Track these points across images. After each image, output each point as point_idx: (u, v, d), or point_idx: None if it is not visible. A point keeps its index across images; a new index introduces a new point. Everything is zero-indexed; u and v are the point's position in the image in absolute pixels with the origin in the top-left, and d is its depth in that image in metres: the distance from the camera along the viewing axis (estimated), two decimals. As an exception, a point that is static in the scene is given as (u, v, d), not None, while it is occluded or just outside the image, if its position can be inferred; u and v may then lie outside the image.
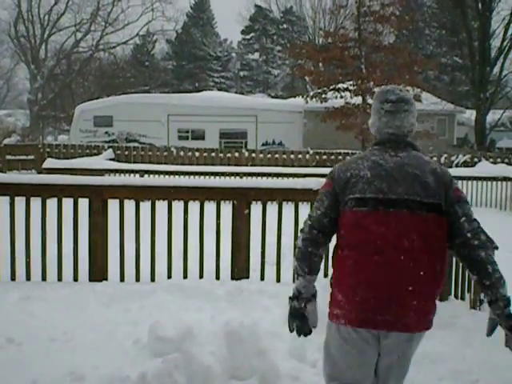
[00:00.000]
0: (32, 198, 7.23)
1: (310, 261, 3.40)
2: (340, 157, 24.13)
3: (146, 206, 7.26)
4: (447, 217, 3.34)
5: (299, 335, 3.50)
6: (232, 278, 7.22)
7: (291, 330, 3.51)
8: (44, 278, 7.26)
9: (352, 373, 3.42)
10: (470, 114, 39.59)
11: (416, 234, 3.23)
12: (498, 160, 24.30)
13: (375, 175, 3.34)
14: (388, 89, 3.63)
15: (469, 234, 3.35)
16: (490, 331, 3.39)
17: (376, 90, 28.55)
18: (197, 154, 24.72)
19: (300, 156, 24.48)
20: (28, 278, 7.25)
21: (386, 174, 3.34)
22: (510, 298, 3.29)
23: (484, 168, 21.34)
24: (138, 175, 17.25)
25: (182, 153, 24.86)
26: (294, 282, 3.54)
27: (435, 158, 23.55)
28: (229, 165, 22.97)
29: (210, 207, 7.32)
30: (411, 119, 3.53)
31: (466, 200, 3.43)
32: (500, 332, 3.39)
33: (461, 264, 7.34)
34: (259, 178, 16.87)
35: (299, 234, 3.52)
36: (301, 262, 3.41)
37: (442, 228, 3.32)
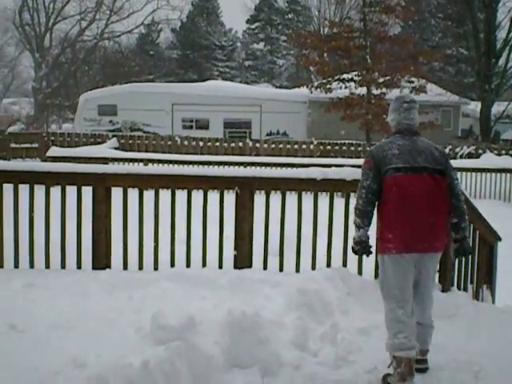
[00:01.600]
0: (36, 186, 7.23)
1: (368, 216, 4.98)
2: (344, 147, 24.18)
3: (149, 195, 7.26)
4: (447, 178, 5.00)
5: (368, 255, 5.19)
6: (235, 267, 7.21)
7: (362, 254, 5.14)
8: (47, 266, 7.28)
9: (400, 289, 4.86)
10: (475, 106, 39.46)
11: (433, 189, 4.88)
12: (503, 152, 24.26)
13: (402, 152, 4.93)
14: (403, 94, 5.57)
15: (459, 192, 5.10)
16: (456, 256, 5.50)
17: (381, 80, 28.60)
18: (201, 143, 24.73)
19: (304, 146, 24.47)
20: (31, 265, 7.26)
21: (409, 151, 4.95)
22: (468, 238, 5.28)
23: (488, 160, 21.28)
24: (141, 164, 17.27)
25: (186, 142, 24.88)
26: (356, 231, 5.04)
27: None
28: (233, 154, 22.99)
29: (213, 196, 7.32)
30: (417, 114, 5.22)
31: (455, 168, 5.23)
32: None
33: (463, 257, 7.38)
34: (263, 167, 16.86)
35: (357, 200, 5.01)
36: (362, 218, 4.97)
37: (446, 185, 4.97)
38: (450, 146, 24.37)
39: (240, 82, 60.48)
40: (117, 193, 7.26)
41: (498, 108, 35.88)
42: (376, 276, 6.92)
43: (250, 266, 7.25)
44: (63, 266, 7.28)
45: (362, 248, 5.03)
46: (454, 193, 5.04)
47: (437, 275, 6.84)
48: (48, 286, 6.49)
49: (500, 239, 8.10)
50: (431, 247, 4.90)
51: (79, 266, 7.29)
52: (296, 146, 24.42)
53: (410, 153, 4.94)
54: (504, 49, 34.22)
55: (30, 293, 6.29)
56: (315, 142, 24.67)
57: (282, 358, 4.92)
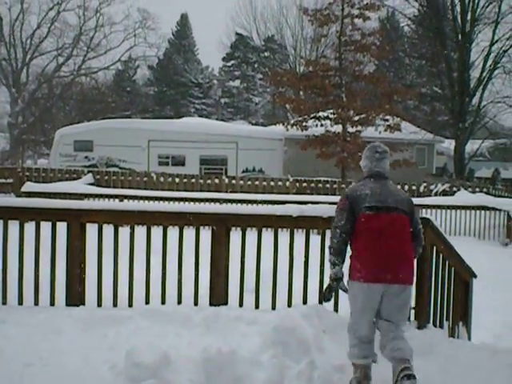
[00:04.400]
0: (10, 222, 7.17)
1: (342, 254, 5.49)
2: (320, 184, 24.27)
3: (124, 231, 7.22)
4: (413, 223, 5.61)
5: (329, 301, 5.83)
6: (210, 304, 7.17)
7: (327, 300, 5.74)
8: (20, 303, 7.19)
9: (364, 312, 5.39)
10: (449, 144, 39.93)
11: (402, 226, 5.43)
12: (477, 189, 24.52)
13: (373, 193, 5.47)
14: (376, 144, 5.90)
15: (419, 235, 5.73)
16: None
17: (356, 118, 28.84)
18: (177, 179, 24.74)
19: (280, 183, 24.56)
20: (4, 301, 7.17)
21: (379, 192, 5.50)
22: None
23: (463, 197, 21.52)
24: (117, 200, 17.22)
25: (162, 178, 24.88)
26: (331, 269, 5.51)
27: (414, 187, 23.72)
28: (209, 191, 22.99)
29: (189, 233, 7.30)
30: (388, 162, 5.84)
31: (417, 210, 5.81)
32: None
33: (439, 292, 7.39)
34: (239, 204, 16.89)
35: (331, 239, 5.52)
36: (337, 256, 5.46)
37: (409, 223, 5.54)
38: (425, 184, 24.57)
39: (216, 119, 60.76)
40: (92, 229, 7.22)
41: (471, 146, 36.31)
42: (352, 313, 6.92)
43: (225, 302, 7.21)
44: (36, 303, 7.20)
45: (337, 284, 5.51)
46: (415, 228, 5.65)
47: (413, 311, 6.91)
48: (21, 323, 6.41)
49: (475, 276, 8.13)
50: (397, 278, 5.29)
51: (52, 303, 7.21)
52: (272, 183, 24.49)
53: (381, 194, 5.49)
54: (477, 88, 34.74)
55: (2, 329, 6.21)
56: (291, 179, 24.77)
57: (257, 396, 4.87)
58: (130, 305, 7.24)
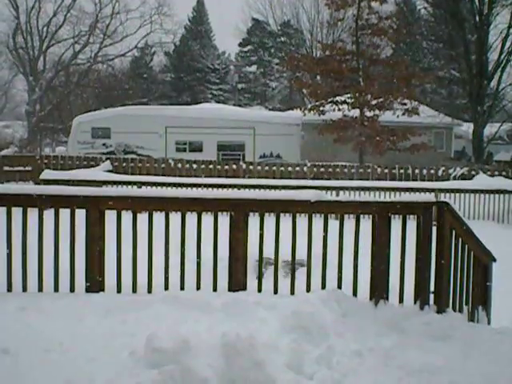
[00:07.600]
0: (29, 209, 7.20)
1: None
2: (338, 169, 24.16)
3: (143, 217, 7.23)
4: None
5: None
6: (229, 290, 7.17)
7: None
8: (40, 289, 7.22)
9: None
10: (468, 127, 39.71)
11: None
12: (496, 173, 24.33)
13: None
14: None
15: None
16: None
17: (373, 102, 28.71)
18: (194, 166, 24.70)
19: (298, 168, 24.45)
20: (24, 288, 7.21)
21: None
22: None
23: (481, 181, 21.39)
24: (135, 187, 17.26)
25: (179, 165, 24.85)
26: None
27: (432, 171, 23.59)
28: (226, 177, 22.96)
29: (207, 219, 7.30)
30: None
31: None
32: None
33: (458, 276, 7.36)
34: (257, 190, 16.88)
35: None
36: None
37: None
38: (443, 168, 24.40)
39: (233, 105, 60.72)
40: (111, 215, 7.24)
41: (490, 129, 36.06)
42: (371, 298, 6.91)
43: (244, 288, 7.22)
44: (56, 289, 7.22)
45: None
46: None
47: (432, 296, 6.91)
48: (41, 310, 6.44)
49: (495, 260, 8.08)
50: None
51: (72, 289, 7.23)
52: (290, 169, 24.38)
53: None
54: (496, 70, 34.44)
55: (23, 316, 6.24)
56: (309, 164, 24.67)
57: (277, 381, 4.88)
58: (150, 291, 7.25)
